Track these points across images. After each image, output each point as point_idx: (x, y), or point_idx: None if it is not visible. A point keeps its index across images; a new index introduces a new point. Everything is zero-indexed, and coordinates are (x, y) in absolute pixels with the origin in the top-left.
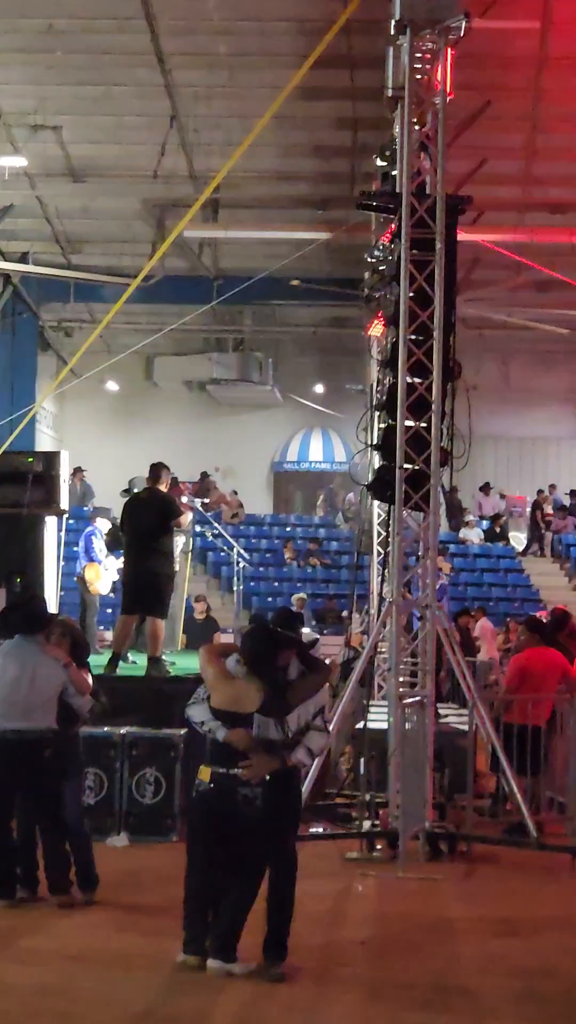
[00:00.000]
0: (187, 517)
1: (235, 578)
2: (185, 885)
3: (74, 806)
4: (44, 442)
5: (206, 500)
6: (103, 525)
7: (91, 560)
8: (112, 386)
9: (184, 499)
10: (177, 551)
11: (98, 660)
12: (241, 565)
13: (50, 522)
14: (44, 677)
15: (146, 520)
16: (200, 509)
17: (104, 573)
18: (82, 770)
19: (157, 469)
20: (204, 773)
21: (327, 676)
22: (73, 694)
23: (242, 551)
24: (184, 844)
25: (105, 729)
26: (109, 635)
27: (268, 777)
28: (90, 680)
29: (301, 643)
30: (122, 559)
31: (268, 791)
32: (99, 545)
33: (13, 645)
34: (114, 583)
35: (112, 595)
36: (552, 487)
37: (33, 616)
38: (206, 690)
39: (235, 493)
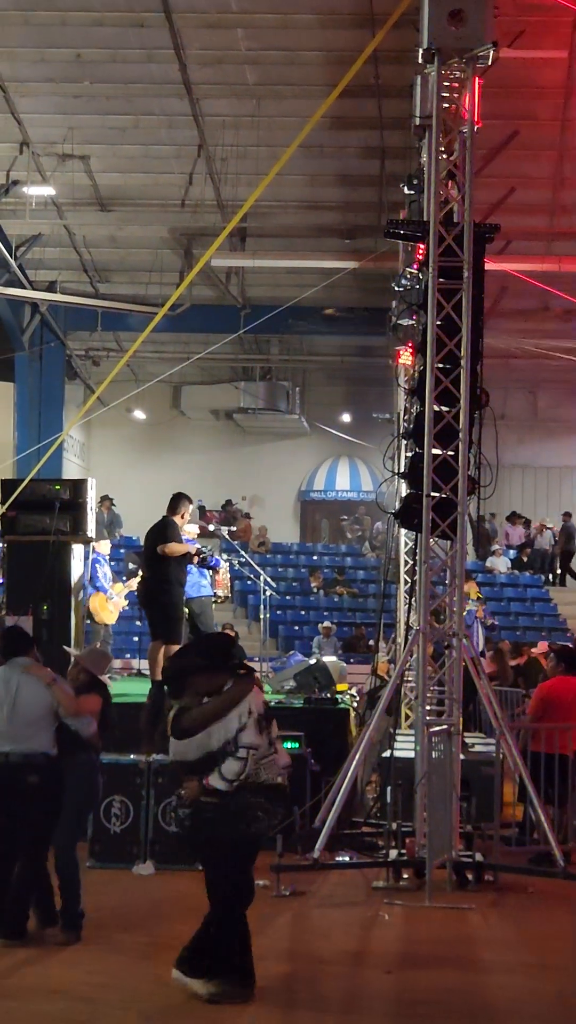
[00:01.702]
0: (175, 548)
1: (262, 607)
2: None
3: (64, 836)
4: (71, 470)
5: (233, 528)
6: (104, 549)
7: (96, 589)
8: (139, 415)
9: (211, 527)
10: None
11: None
12: (268, 594)
13: (77, 550)
14: (27, 697)
15: (148, 548)
16: (227, 537)
17: (109, 602)
18: (90, 799)
19: (176, 499)
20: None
21: (224, 704)
22: (64, 714)
23: (269, 580)
24: None
25: (131, 756)
26: (135, 663)
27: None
28: (95, 704)
29: (212, 668)
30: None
31: (194, 815)
32: (103, 572)
33: (1, 671)
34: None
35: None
36: (567, 515)
37: (11, 640)
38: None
39: (247, 515)
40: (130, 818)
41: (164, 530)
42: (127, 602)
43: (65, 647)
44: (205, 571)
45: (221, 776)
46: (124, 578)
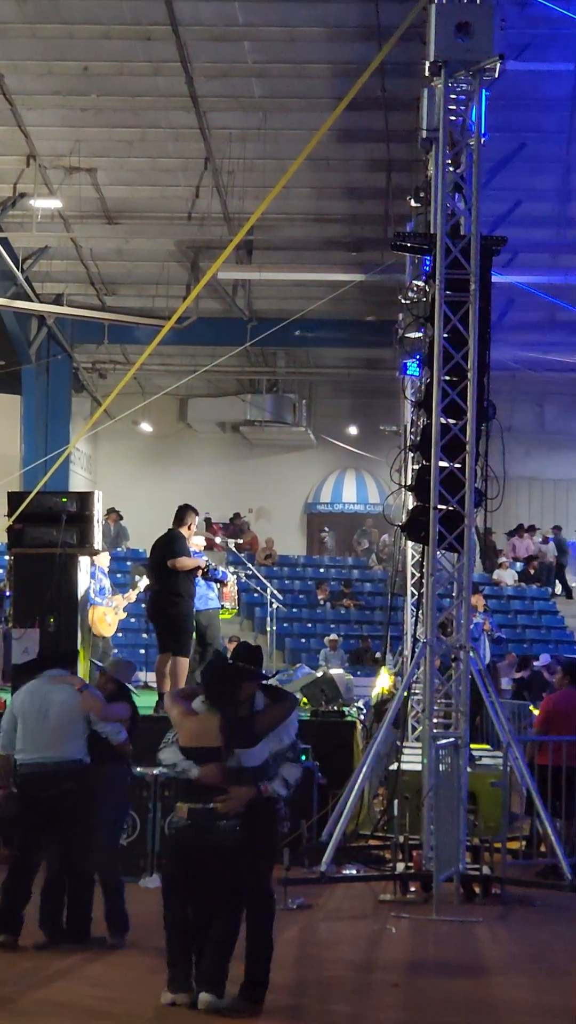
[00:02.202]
0: (184, 562)
1: (268, 619)
2: (164, 923)
3: (100, 844)
4: (78, 483)
5: (239, 541)
6: (104, 562)
7: (93, 602)
8: (146, 427)
9: (218, 540)
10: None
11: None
12: (274, 606)
13: (84, 563)
14: (58, 705)
15: (154, 560)
16: (234, 550)
17: (106, 614)
18: (120, 808)
19: (182, 511)
20: (181, 809)
21: (293, 705)
22: (95, 721)
23: (275, 592)
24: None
25: (138, 770)
26: (141, 675)
27: (244, 810)
28: (124, 712)
29: (262, 675)
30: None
31: (245, 824)
32: (101, 585)
33: (33, 683)
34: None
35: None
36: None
37: (48, 653)
38: (175, 732)
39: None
40: (137, 831)
41: (172, 543)
42: (125, 614)
43: (96, 661)
44: (212, 583)
45: (285, 782)
46: (129, 589)
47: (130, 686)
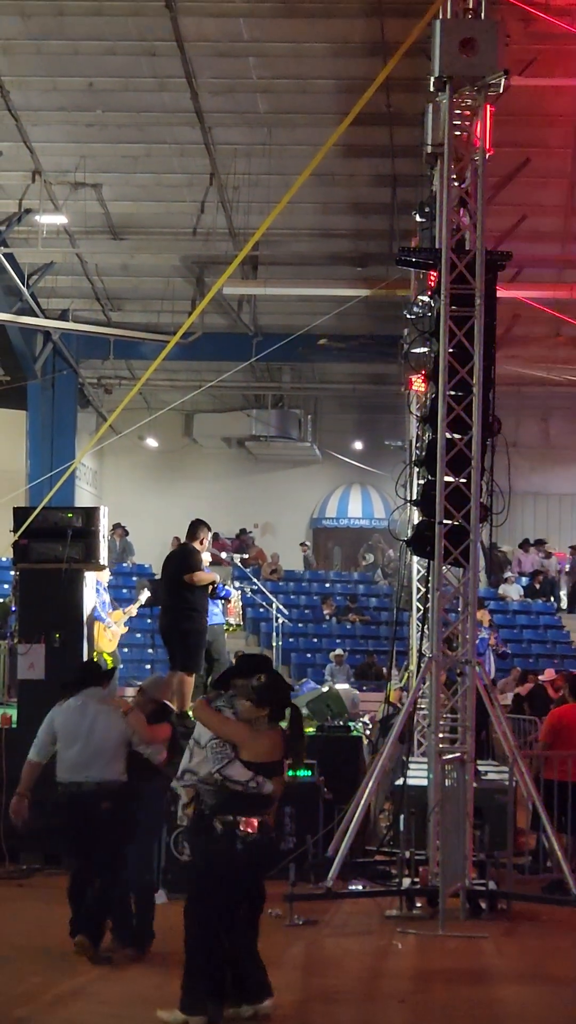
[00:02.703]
0: (201, 576)
1: (274, 634)
2: (198, 944)
3: (138, 859)
4: (84, 498)
5: (245, 556)
6: (104, 578)
7: (95, 618)
8: (151, 442)
9: (223, 555)
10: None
11: None
12: (280, 621)
13: (90, 578)
14: (103, 727)
15: (169, 575)
16: (239, 565)
17: (108, 630)
18: (156, 824)
19: (195, 526)
20: (249, 824)
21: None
22: (139, 743)
23: (281, 607)
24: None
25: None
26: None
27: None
28: (166, 733)
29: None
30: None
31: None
32: (101, 600)
33: (75, 701)
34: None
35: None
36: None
37: (89, 672)
38: (220, 745)
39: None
40: None
41: (188, 558)
42: (127, 628)
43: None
44: (217, 599)
45: None
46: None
47: (169, 703)
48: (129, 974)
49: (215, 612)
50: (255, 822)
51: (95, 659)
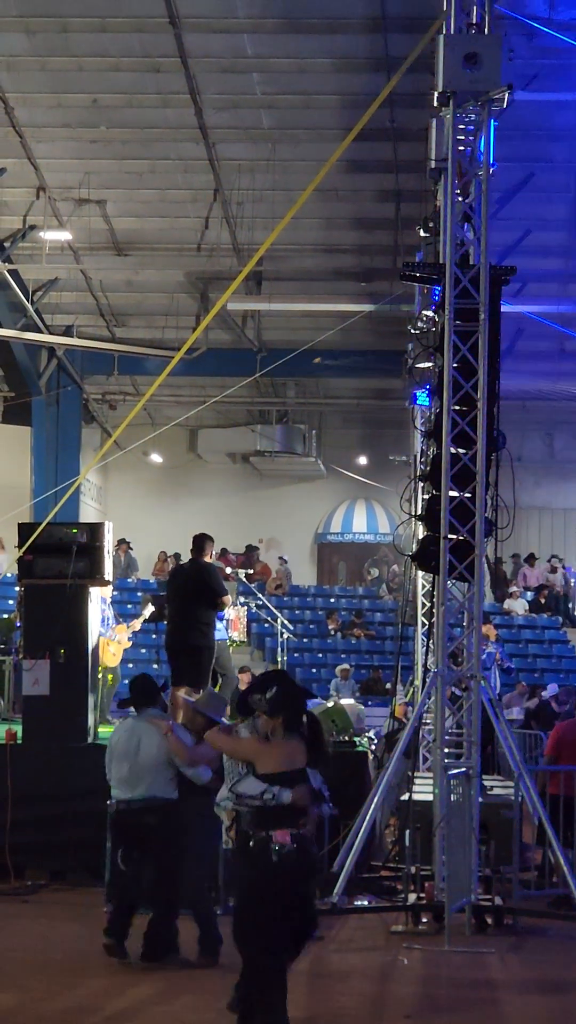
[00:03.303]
0: (228, 598)
1: (279, 649)
2: (260, 975)
3: (192, 873)
4: (88, 514)
5: (251, 571)
6: (108, 593)
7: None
8: (156, 458)
9: (228, 570)
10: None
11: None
12: (285, 636)
13: (95, 594)
14: (147, 746)
15: (189, 591)
16: (245, 580)
17: (111, 644)
18: (208, 840)
19: (201, 540)
20: (280, 835)
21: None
22: (180, 764)
23: (286, 622)
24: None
25: None
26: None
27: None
28: (209, 753)
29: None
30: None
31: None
32: (102, 616)
33: (131, 719)
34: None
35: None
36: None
37: (142, 691)
38: (236, 765)
39: (284, 560)
40: None
41: (213, 577)
42: (131, 643)
43: (182, 695)
44: (222, 614)
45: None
46: (133, 619)
47: (223, 720)
48: (133, 986)
49: (219, 628)
50: (288, 833)
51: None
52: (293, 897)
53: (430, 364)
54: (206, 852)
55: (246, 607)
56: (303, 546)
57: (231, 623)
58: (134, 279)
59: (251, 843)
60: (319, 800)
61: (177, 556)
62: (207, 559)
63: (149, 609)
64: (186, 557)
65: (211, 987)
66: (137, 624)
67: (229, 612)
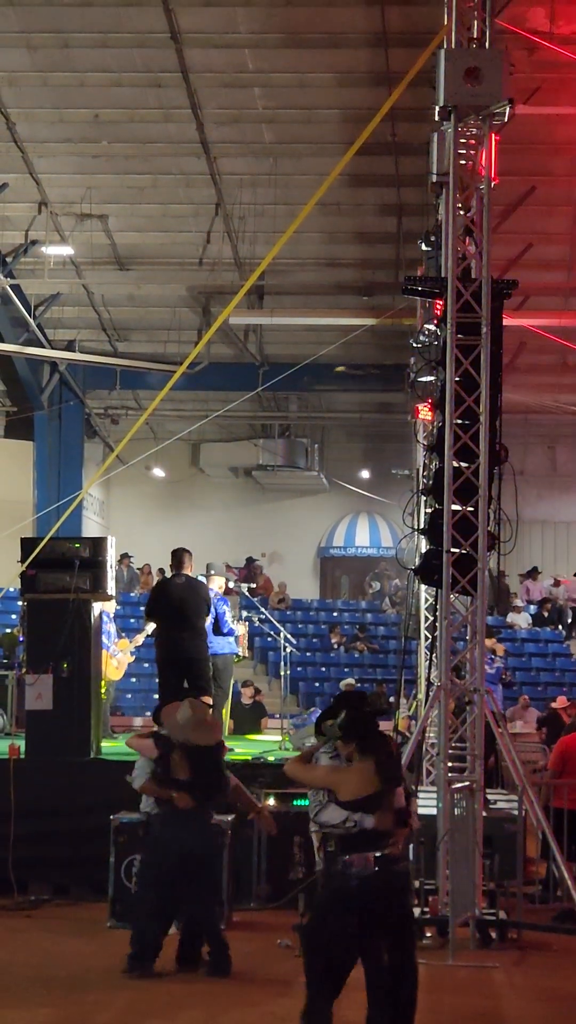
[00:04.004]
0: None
1: (282, 663)
2: (316, 981)
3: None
4: (91, 528)
5: (253, 585)
6: (111, 608)
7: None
8: (158, 472)
9: (231, 584)
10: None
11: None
12: (288, 650)
13: (97, 608)
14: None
15: (190, 604)
16: (247, 594)
17: (113, 659)
18: (207, 856)
19: (180, 554)
20: (361, 859)
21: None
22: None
23: (289, 636)
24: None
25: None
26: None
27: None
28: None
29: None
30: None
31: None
32: (106, 629)
33: None
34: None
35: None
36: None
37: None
38: (314, 792)
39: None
40: None
41: (207, 591)
42: (133, 658)
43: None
44: (233, 629)
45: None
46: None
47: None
48: (135, 1002)
49: (229, 642)
50: (371, 857)
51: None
52: (374, 916)
53: (432, 378)
54: (202, 868)
55: (248, 621)
56: (306, 560)
57: (239, 638)
58: (136, 294)
59: (337, 867)
60: (403, 819)
61: (162, 571)
62: (188, 571)
63: (151, 625)
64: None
65: (217, 1006)
66: (140, 639)
67: (238, 627)
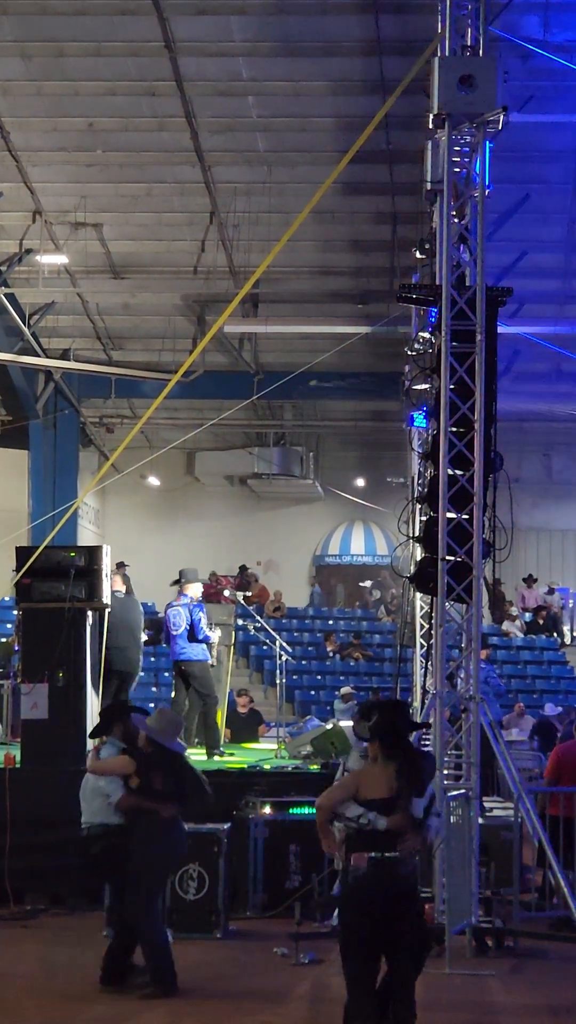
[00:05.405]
0: None
1: (278, 672)
2: (349, 981)
3: (131, 898)
4: (86, 537)
5: (248, 593)
6: None
7: None
8: (153, 481)
9: (226, 592)
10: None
11: None
12: (283, 658)
13: (92, 617)
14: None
15: (134, 619)
16: (242, 603)
17: None
18: (147, 862)
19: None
20: (359, 859)
21: (434, 759)
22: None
23: (284, 644)
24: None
25: (208, 826)
26: None
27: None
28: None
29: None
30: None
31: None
32: None
33: None
34: None
35: (155, 690)
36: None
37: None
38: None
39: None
40: (206, 887)
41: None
42: None
43: None
44: (210, 636)
45: (436, 831)
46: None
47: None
48: (135, 1013)
49: (203, 648)
50: (364, 857)
51: None
52: (376, 916)
53: (427, 386)
54: (144, 874)
55: (245, 628)
56: (301, 568)
57: (211, 647)
58: (131, 302)
59: (341, 863)
60: (419, 827)
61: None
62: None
63: (143, 636)
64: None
65: (214, 1016)
66: None
67: (213, 634)
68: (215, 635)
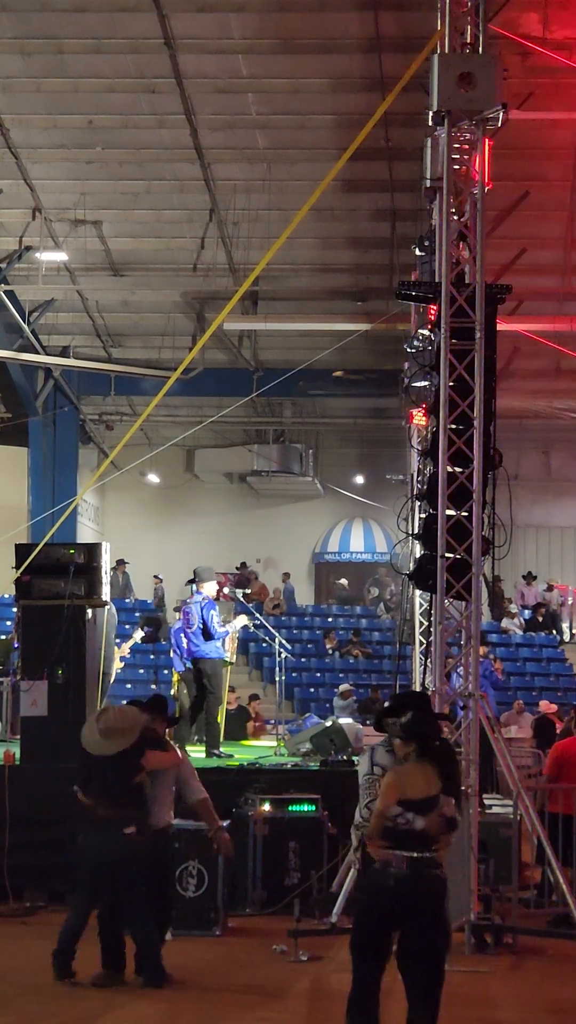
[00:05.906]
0: None
1: (277, 669)
2: (357, 979)
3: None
4: (86, 534)
5: (247, 591)
6: None
7: None
8: (153, 478)
9: (226, 590)
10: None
11: None
12: (283, 656)
13: (92, 614)
14: None
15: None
16: (242, 600)
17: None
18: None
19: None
20: (394, 858)
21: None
22: None
23: (284, 642)
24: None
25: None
26: None
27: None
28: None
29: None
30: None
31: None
32: None
33: None
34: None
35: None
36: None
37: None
38: (369, 782)
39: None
40: (206, 885)
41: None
42: (122, 664)
43: None
44: (226, 632)
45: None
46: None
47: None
48: (132, 1008)
49: (217, 647)
50: (404, 857)
51: None
52: (404, 916)
53: (426, 383)
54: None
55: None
56: (301, 565)
57: (227, 641)
58: (130, 299)
59: (375, 864)
60: (452, 827)
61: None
62: None
63: (139, 634)
64: (182, 579)
65: (213, 1012)
66: (126, 649)
67: (231, 627)
68: (233, 625)
